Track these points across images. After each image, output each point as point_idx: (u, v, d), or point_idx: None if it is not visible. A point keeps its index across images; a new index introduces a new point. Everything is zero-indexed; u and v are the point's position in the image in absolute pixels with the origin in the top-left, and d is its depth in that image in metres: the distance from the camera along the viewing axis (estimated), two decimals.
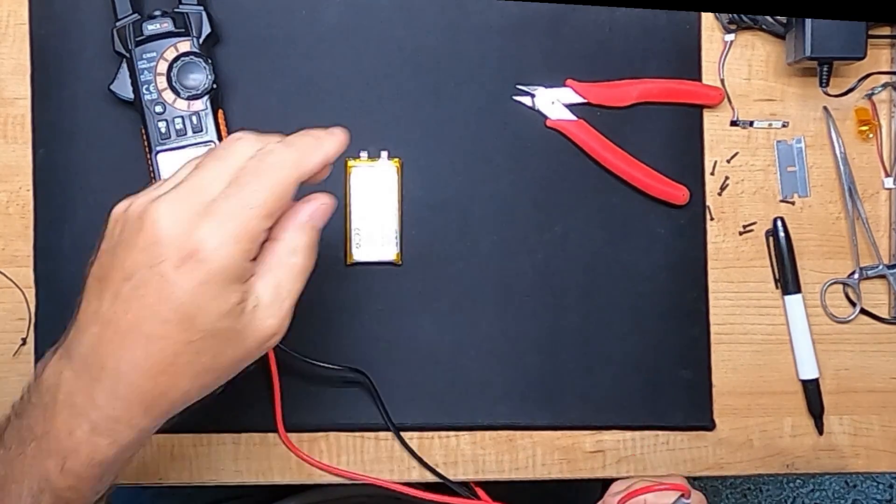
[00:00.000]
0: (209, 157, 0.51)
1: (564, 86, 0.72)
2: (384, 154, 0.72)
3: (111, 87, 0.67)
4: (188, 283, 0.48)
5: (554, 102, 0.71)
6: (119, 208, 0.51)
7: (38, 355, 0.70)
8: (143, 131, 0.68)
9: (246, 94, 0.72)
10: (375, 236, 0.72)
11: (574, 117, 0.72)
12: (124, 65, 0.67)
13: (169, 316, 0.49)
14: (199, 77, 0.67)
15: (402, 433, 0.72)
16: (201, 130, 0.68)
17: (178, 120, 0.67)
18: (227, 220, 0.49)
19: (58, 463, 0.50)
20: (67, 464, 0.50)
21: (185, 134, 0.67)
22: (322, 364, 0.70)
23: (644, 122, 0.73)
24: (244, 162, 0.50)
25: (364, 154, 0.72)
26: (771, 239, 0.73)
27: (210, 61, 0.68)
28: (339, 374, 0.70)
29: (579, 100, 0.72)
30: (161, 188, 0.51)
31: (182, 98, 0.67)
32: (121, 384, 0.50)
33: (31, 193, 0.71)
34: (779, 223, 0.73)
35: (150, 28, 0.67)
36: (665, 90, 0.72)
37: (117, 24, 0.67)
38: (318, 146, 0.52)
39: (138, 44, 0.67)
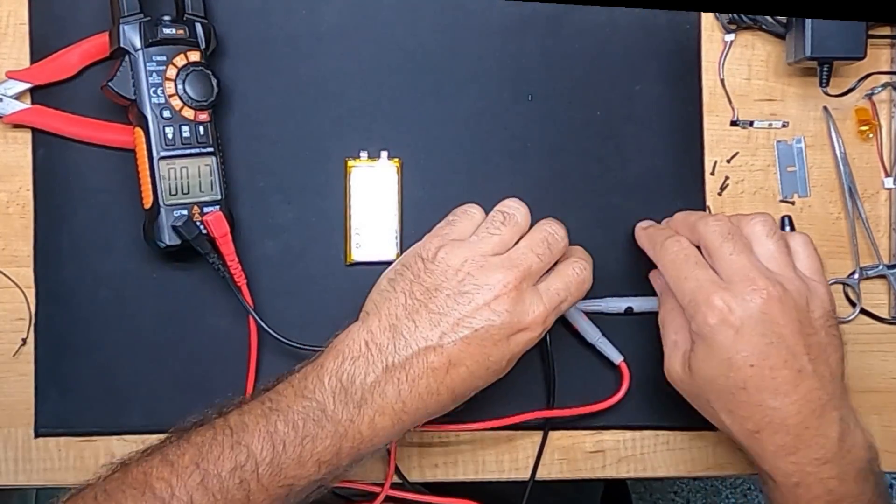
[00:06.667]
0: (539, 234, 0.64)
1: (9, 79, 0.69)
2: (384, 154, 0.72)
3: (110, 83, 0.67)
4: (516, 349, 0.62)
5: (2, 99, 0.68)
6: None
7: (38, 355, 0.70)
8: (142, 133, 0.67)
9: (246, 94, 0.72)
10: (375, 236, 0.72)
11: (26, 105, 0.69)
12: (126, 62, 0.67)
13: (492, 362, 0.61)
14: (207, 89, 0.67)
15: None
16: (206, 142, 0.68)
17: (186, 128, 0.67)
18: (549, 303, 0.62)
19: (353, 447, 0.60)
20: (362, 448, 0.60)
21: (191, 143, 0.67)
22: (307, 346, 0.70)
23: (644, 121, 0.73)
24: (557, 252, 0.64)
25: (364, 154, 0.72)
26: None
27: (216, 76, 0.68)
28: None
29: (27, 86, 0.69)
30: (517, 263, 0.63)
31: (189, 107, 0.67)
32: (431, 404, 0.61)
33: (31, 193, 0.71)
34: (786, 221, 0.73)
35: (167, 32, 0.67)
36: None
37: (123, 20, 0.67)
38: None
39: (149, 45, 0.67)
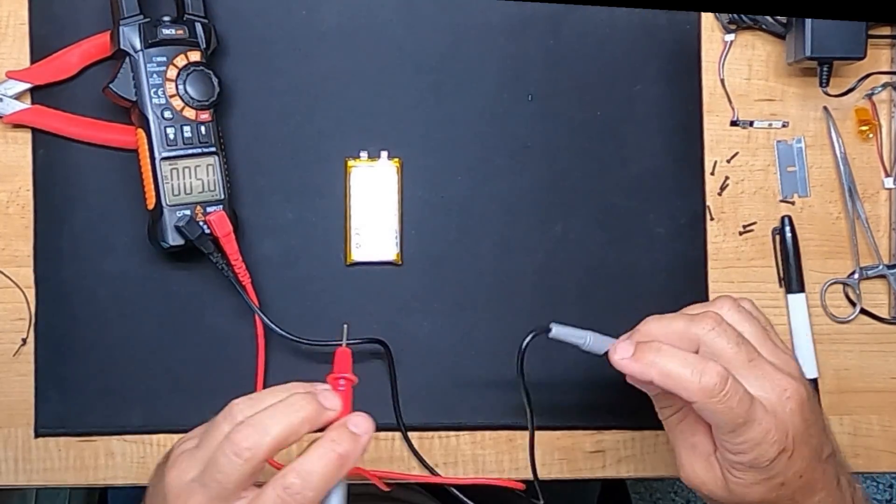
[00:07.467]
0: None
1: (9, 79, 0.70)
2: (384, 154, 0.72)
3: (111, 85, 0.67)
4: None
5: (2, 99, 0.68)
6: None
7: (38, 355, 0.70)
8: (144, 134, 0.67)
9: (246, 94, 0.72)
10: (375, 236, 0.72)
11: (26, 105, 0.69)
12: (126, 64, 0.67)
13: None
14: (208, 88, 0.68)
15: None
16: (208, 142, 0.68)
17: (188, 128, 0.67)
18: None
19: None
20: None
21: (192, 143, 0.67)
22: (314, 341, 0.70)
23: (644, 121, 0.73)
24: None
25: (364, 154, 0.72)
26: (777, 237, 0.73)
27: (217, 75, 0.68)
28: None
29: (27, 86, 0.69)
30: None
31: (191, 107, 0.67)
32: None
33: (31, 193, 0.71)
34: (786, 221, 0.73)
35: (166, 32, 0.67)
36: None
37: (122, 22, 0.67)
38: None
39: (149, 46, 0.67)
